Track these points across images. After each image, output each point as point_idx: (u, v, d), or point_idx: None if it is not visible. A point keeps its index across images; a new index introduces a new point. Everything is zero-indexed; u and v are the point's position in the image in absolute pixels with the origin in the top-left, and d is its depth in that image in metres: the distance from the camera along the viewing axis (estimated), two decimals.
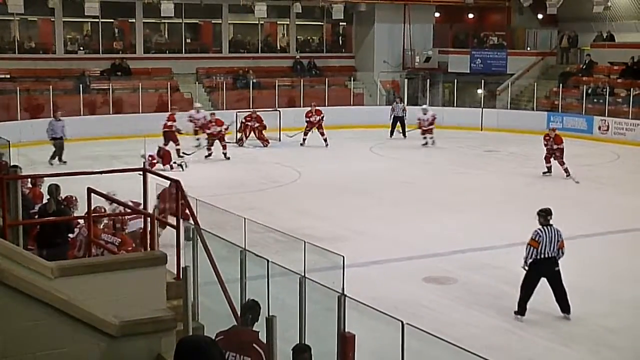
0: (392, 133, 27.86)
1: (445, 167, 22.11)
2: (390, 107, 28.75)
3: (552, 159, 20.24)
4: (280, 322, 5.65)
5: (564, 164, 20.02)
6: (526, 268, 10.38)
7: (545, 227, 10.34)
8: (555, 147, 20.13)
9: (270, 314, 6.19)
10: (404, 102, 29.51)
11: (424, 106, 27.27)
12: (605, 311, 10.81)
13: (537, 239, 10.26)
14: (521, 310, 10.31)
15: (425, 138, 25.91)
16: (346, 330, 6.05)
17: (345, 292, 6.15)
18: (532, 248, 10.27)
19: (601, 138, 27.29)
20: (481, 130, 29.42)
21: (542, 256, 10.23)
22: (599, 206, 17.27)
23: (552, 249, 10.26)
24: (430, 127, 25.89)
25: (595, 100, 28.88)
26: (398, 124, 27.98)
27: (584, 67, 31.41)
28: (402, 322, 5.52)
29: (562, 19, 33.93)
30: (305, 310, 6.40)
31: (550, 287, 10.35)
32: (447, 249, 13.53)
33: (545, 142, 20.38)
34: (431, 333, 5.60)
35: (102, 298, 5.55)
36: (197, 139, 24.24)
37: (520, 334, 9.99)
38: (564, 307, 10.35)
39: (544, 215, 10.47)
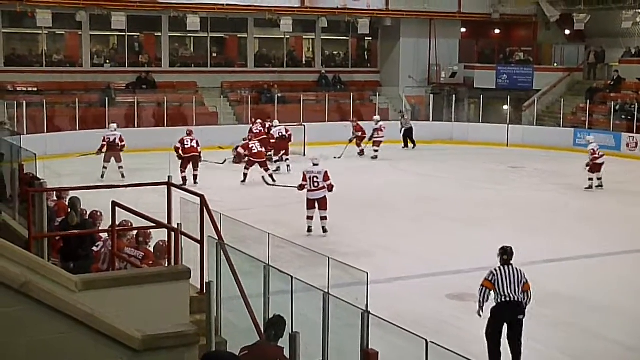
0: (405, 144, 29.04)
1: (469, 183, 22.00)
2: (399, 121, 29.51)
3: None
4: (303, 338, 5.62)
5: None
6: (481, 314, 9.16)
7: (502, 267, 9.11)
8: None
9: (294, 330, 6.16)
10: (409, 116, 30.59)
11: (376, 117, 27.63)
12: (623, 329, 10.76)
13: (490, 279, 9.03)
14: None
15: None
16: (369, 347, 6.01)
17: (368, 309, 6.11)
18: (485, 289, 9.06)
19: (629, 155, 27.03)
20: (507, 146, 29.29)
21: (504, 299, 8.96)
22: (625, 223, 17.09)
23: (513, 290, 8.93)
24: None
25: (623, 116, 28.65)
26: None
27: (612, 83, 31.17)
28: (425, 340, 5.47)
29: (589, 34, 33.77)
30: (329, 327, 6.37)
31: (507, 337, 9.10)
32: (470, 265, 13.40)
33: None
34: (454, 351, 5.55)
35: (125, 312, 5.57)
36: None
37: (541, 351, 9.94)
38: None
39: (501, 254, 9.25)
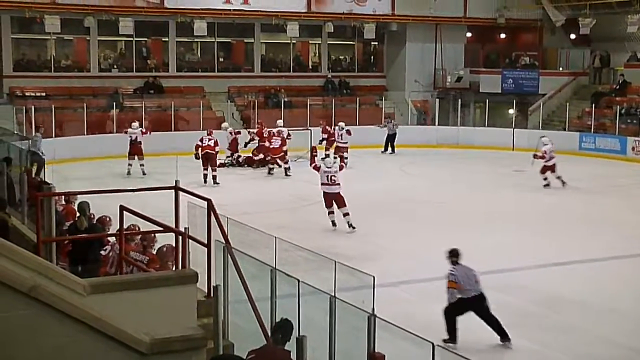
0: (385, 149, 28.93)
1: (475, 187, 22.01)
2: (386, 126, 29.39)
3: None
4: (310, 341, 5.65)
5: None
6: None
7: (456, 266, 10.12)
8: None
9: (301, 333, 6.19)
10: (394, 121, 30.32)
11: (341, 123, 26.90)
12: (628, 332, 10.79)
13: (454, 279, 10.02)
14: (453, 338, 10.02)
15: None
16: (376, 350, 6.04)
17: (375, 312, 6.14)
18: (451, 290, 10.04)
19: (635, 158, 27.02)
20: (512, 150, 29.26)
21: (468, 295, 9.98)
22: (631, 227, 17.08)
23: (472, 285, 10.00)
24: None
25: (628, 120, 28.63)
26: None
27: (617, 87, 31.16)
28: (432, 344, 5.50)
29: (594, 38, 33.76)
30: (335, 330, 6.40)
31: (480, 318, 10.09)
32: (477, 268, 13.36)
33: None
34: (461, 354, 5.58)
35: (133, 315, 5.60)
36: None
37: (544, 353, 9.99)
38: (503, 336, 10.03)
39: (450, 256, 10.25)
